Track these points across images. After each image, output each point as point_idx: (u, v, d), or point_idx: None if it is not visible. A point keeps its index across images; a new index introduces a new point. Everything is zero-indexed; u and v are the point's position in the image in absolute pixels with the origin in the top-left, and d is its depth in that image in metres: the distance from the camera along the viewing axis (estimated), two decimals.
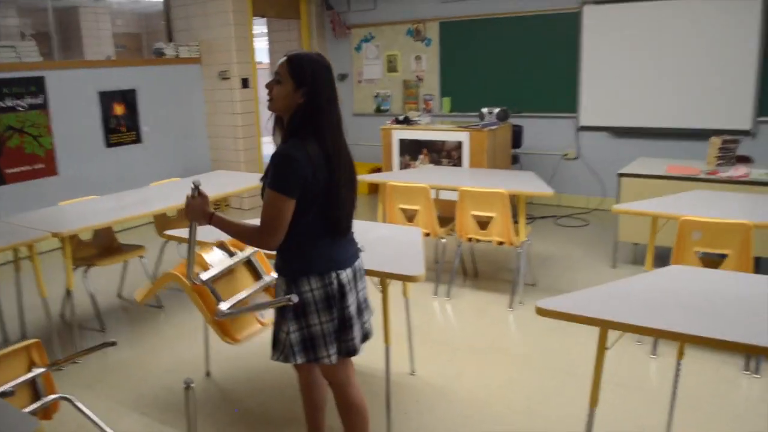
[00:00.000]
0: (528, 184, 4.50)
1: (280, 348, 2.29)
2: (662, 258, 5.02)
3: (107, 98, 6.46)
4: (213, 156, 7.56)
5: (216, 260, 2.66)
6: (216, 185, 4.86)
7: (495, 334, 3.98)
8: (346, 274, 2.25)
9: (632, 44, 6.38)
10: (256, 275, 2.81)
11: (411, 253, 2.92)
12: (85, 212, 4.09)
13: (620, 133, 6.64)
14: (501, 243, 4.37)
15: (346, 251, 2.31)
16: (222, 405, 3.25)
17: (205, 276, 2.53)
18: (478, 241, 4.48)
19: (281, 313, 2.27)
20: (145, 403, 3.29)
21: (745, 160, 5.09)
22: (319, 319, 2.23)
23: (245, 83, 7.22)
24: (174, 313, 4.52)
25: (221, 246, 2.77)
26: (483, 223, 4.42)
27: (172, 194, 4.57)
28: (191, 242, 2.38)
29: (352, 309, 2.28)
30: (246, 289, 2.69)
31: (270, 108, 2.26)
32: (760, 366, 3.44)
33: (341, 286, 2.23)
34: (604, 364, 2.30)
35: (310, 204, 2.17)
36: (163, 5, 7.44)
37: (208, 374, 3.57)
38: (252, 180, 5.11)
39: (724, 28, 5.94)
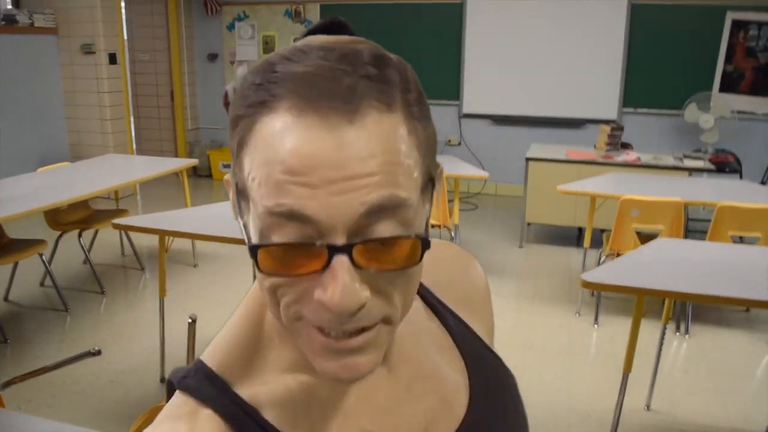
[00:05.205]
0: (458, 167, 4.60)
1: None
2: (570, 237, 5.44)
3: None
4: (72, 140, 6.75)
5: None
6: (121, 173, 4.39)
7: None
8: None
9: (512, 37, 6.76)
10: None
11: None
12: None
13: (500, 120, 7.02)
14: (434, 226, 4.43)
15: None
16: None
17: None
18: None
19: None
20: (101, 420, 2.89)
21: (627, 146, 5.63)
22: None
23: (113, 59, 6.53)
24: (79, 316, 4.00)
25: None
26: None
27: (66, 182, 4.04)
28: None
29: None
30: None
31: None
32: (690, 328, 3.87)
33: None
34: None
35: None
36: None
37: (163, 381, 3.22)
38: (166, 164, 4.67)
39: (595, 25, 6.51)
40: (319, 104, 0.45)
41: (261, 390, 0.57)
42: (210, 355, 0.59)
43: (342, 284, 0.45)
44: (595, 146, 5.61)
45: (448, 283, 0.74)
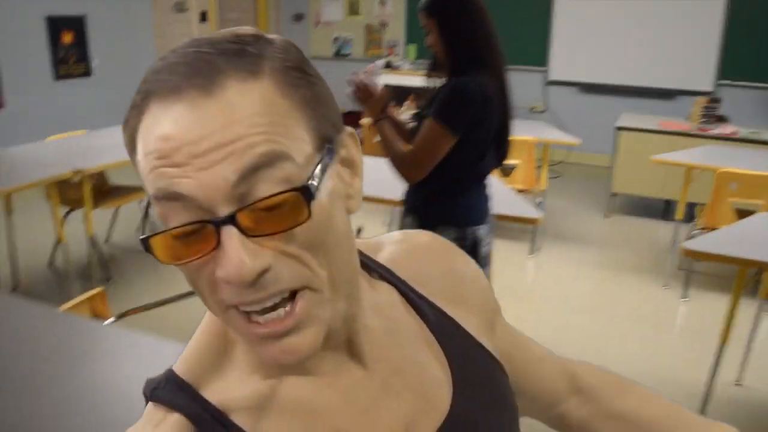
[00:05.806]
0: (547, 133, 4.54)
1: None
2: (656, 210, 5.30)
3: (55, 24, 5.76)
4: None
5: None
6: None
7: (527, 279, 4.03)
8: (483, 229, 2.15)
9: (604, 1, 6.53)
10: None
11: (508, 197, 2.87)
12: (84, 149, 3.68)
13: (588, 88, 6.84)
14: (522, 191, 4.40)
15: (488, 203, 2.22)
16: None
17: None
18: None
19: None
20: None
21: (723, 119, 5.40)
22: None
23: (203, 17, 6.71)
24: None
25: None
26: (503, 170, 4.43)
27: None
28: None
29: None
30: None
31: (440, 61, 2.12)
32: None
33: (476, 242, 2.12)
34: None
35: (478, 142, 2.06)
36: None
37: None
38: None
39: None
40: (179, 88, 0.44)
41: (231, 394, 0.55)
42: (180, 362, 0.57)
43: (231, 254, 0.44)
44: (688, 118, 5.40)
45: (428, 274, 0.69)
